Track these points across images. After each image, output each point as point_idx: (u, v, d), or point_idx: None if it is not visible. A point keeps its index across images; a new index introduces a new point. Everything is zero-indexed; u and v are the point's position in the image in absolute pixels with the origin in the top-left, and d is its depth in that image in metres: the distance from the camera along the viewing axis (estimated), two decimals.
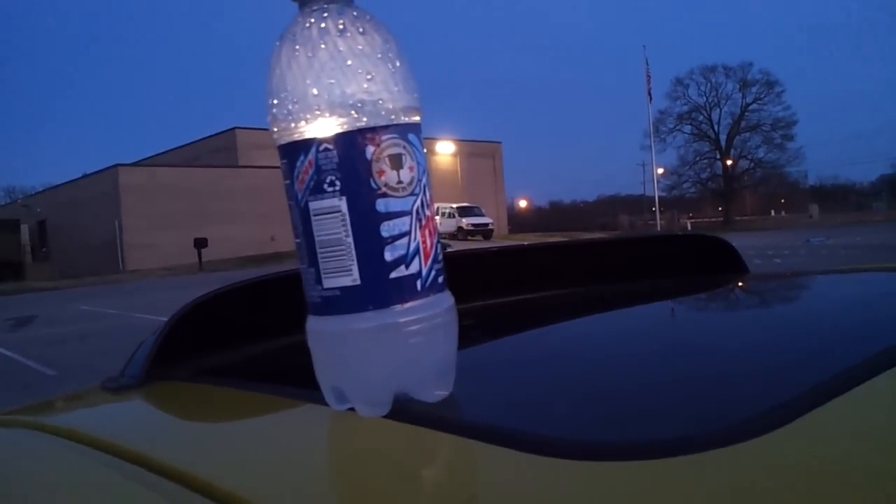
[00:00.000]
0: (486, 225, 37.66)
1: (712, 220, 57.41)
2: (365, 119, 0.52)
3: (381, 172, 0.53)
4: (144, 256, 31.47)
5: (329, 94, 0.52)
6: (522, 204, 76.49)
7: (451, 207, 37.62)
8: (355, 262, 0.53)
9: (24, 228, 36.18)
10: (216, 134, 42.32)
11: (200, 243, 28.94)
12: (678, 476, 0.39)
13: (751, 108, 52.04)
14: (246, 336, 0.90)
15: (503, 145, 52.68)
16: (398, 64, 0.54)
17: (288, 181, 0.54)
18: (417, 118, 0.56)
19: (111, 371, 0.85)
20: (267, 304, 0.92)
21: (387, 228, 0.53)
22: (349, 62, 0.52)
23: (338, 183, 0.52)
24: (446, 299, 0.57)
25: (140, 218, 32.41)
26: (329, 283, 0.54)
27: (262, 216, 31.58)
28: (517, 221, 59.96)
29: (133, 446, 0.57)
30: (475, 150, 49.08)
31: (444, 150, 46.61)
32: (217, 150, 40.43)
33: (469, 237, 35.40)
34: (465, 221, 37.30)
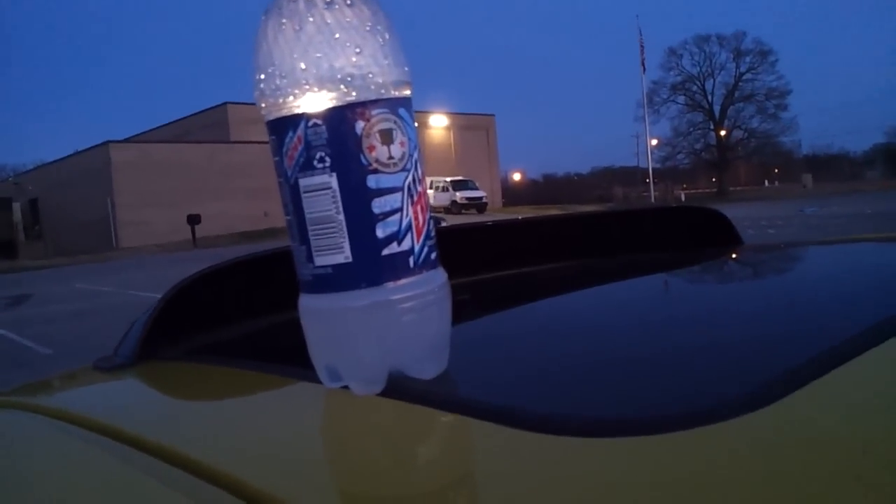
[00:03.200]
0: (480, 198, 37.58)
1: (706, 190, 57.41)
2: (354, 93, 0.51)
3: (372, 148, 0.52)
4: (138, 233, 31.41)
5: (317, 68, 0.51)
6: (516, 177, 76.30)
7: (445, 181, 37.53)
8: (347, 240, 0.52)
9: (17, 206, 36.02)
10: (207, 109, 42.04)
11: (194, 219, 28.87)
12: (673, 451, 0.39)
13: (745, 77, 51.94)
14: (239, 314, 0.90)
15: (497, 118, 52.44)
16: (387, 37, 0.53)
17: (277, 158, 0.54)
18: (408, 92, 0.55)
19: (107, 349, 0.84)
20: (260, 282, 0.91)
21: (378, 205, 0.52)
22: (337, 35, 0.51)
23: (328, 159, 0.51)
24: (439, 276, 0.56)
25: (132, 195, 32.29)
26: (321, 260, 0.53)
27: (256, 191, 31.50)
28: (511, 195, 59.85)
29: (126, 426, 0.57)
30: (468, 124, 48.86)
31: (437, 124, 46.39)
32: (208, 126, 40.18)
33: (463, 211, 35.35)
34: (459, 195, 37.23)
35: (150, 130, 45.68)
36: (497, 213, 36.11)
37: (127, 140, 39.21)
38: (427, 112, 45.03)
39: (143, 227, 31.59)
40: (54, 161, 39.93)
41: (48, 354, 7.20)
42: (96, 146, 34.48)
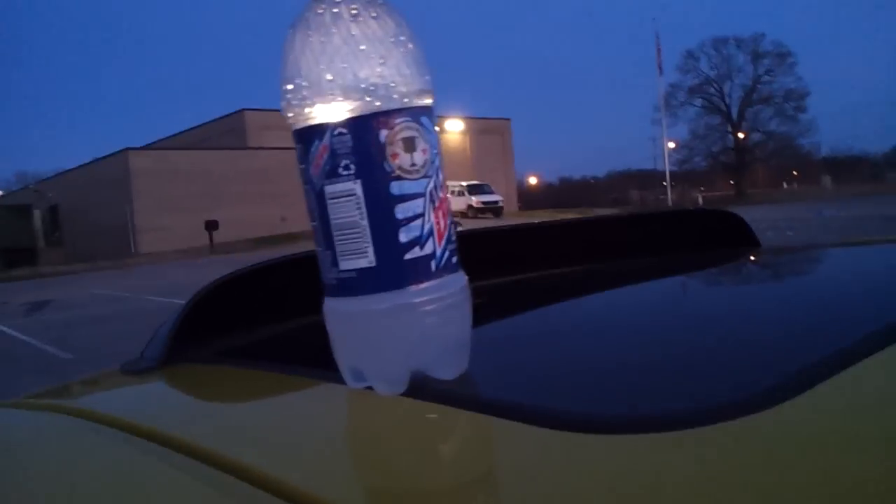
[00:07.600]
0: (497, 202, 37.55)
1: (724, 193, 57.00)
2: (378, 103, 0.53)
3: (395, 155, 0.53)
4: (156, 239, 31.66)
5: (343, 78, 0.52)
6: (532, 181, 76.22)
7: (461, 185, 37.50)
8: (371, 245, 0.54)
9: (37, 214, 36.42)
10: (225, 116, 42.37)
11: (211, 225, 29.05)
12: (694, 448, 0.40)
13: (763, 80, 51.66)
14: (264, 317, 0.91)
15: (512, 122, 52.47)
16: (410, 48, 0.55)
17: (303, 165, 0.55)
18: (430, 101, 0.57)
19: (127, 354, 0.86)
20: (285, 286, 0.93)
21: (401, 210, 0.54)
22: (362, 47, 0.53)
23: (353, 166, 0.53)
24: (460, 279, 0.58)
25: (151, 201, 32.58)
26: (345, 265, 0.55)
27: (273, 197, 31.69)
28: (527, 198, 59.81)
29: (156, 427, 0.58)
30: (484, 128, 48.87)
31: (454, 128, 46.43)
32: (226, 132, 40.48)
33: (479, 215, 35.31)
34: (475, 199, 37.22)
35: (168, 137, 46.08)
36: (513, 217, 36.05)
37: (145, 147, 39.56)
38: (443, 116, 45.03)
39: (162, 233, 31.84)
40: (74, 168, 40.40)
41: (69, 359, 7.28)
42: (115, 153, 34.84)
